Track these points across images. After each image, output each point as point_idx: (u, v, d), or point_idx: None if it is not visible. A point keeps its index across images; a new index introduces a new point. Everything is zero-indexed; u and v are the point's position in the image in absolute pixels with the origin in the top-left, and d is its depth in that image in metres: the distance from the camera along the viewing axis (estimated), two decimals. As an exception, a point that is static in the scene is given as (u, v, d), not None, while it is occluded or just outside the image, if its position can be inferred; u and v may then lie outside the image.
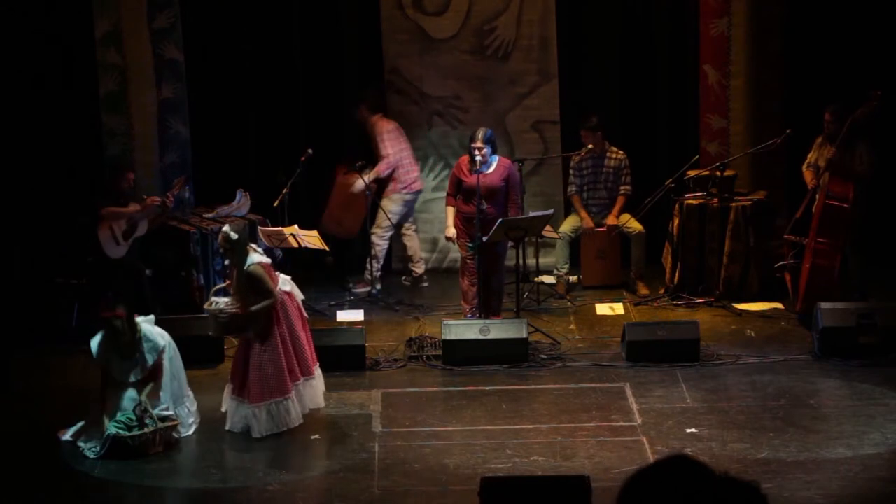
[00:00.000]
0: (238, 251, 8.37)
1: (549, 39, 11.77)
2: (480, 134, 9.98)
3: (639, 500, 2.85)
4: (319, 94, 12.04)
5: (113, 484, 7.89)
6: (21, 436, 8.65)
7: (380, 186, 11.44)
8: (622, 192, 11.31)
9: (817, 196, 10.22)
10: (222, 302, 8.49)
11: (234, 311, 8.35)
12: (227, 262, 8.77)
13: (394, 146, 11.33)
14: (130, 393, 8.26)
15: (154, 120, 11.58)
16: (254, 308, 8.27)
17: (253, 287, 8.31)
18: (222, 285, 8.90)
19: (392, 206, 11.36)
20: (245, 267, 8.31)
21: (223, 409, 8.63)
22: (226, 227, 8.49)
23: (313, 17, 11.97)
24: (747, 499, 2.82)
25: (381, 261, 11.49)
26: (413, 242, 11.71)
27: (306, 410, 8.62)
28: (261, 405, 8.40)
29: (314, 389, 8.68)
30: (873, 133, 10.28)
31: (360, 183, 11.18)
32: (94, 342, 8.35)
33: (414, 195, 11.54)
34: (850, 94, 10.40)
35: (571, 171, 11.43)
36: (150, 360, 8.29)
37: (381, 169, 11.32)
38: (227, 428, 8.52)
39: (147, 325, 8.42)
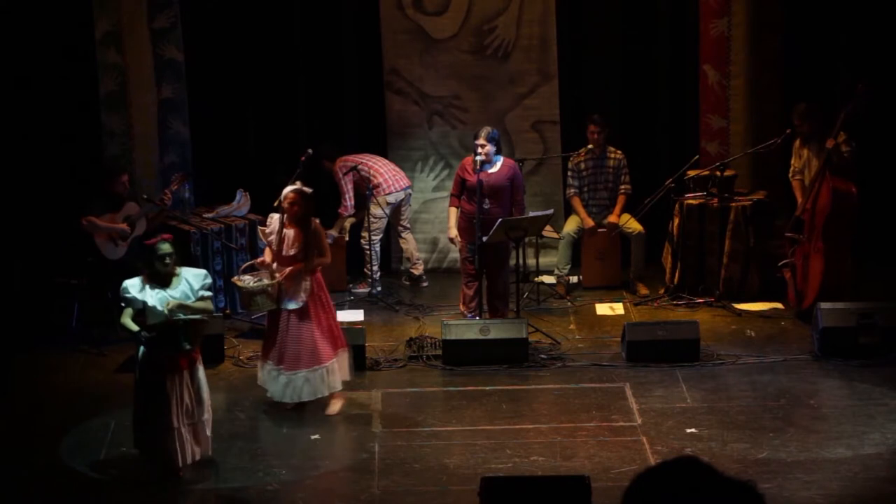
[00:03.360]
0: (310, 208, 8.60)
1: (549, 39, 11.77)
2: (483, 132, 10.00)
3: (644, 500, 2.85)
4: (319, 94, 12.04)
5: (113, 484, 7.89)
6: (21, 436, 8.66)
7: (363, 195, 11.42)
8: (622, 191, 11.31)
9: (820, 194, 10.21)
10: (251, 279, 8.61)
11: (276, 278, 8.49)
12: (272, 228, 8.68)
13: (356, 177, 11.28)
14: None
15: (154, 120, 11.59)
16: (315, 262, 8.59)
17: (317, 243, 8.60)
18: (252, 262, 8.89)
19: (376, 210, 11.32)
20: (315, 221, 8.65)
21: (261, 383, 8.77)
22: (297, 184, 8.66)
23: (313, 18, 11.97)
24: (744, 498, 2.82)
25: (378, 262, 11.49)
26: (409, 245, 11.69)
27: (334, 387, 8.76)
28: (297, 373, 8.57)
29: (342, 370, 8.83)
30: (859, 126, 10.31)
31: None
32: (130, 284, 7.79)
33: (398, 194, 11.44)
34: (816, 94, 10.49)
35: (570, 173, 11.42)
36: (196, 283, 7.84)
37: (341, 211, 11.44)
38: (271, 397, 8.74)
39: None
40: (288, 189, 8.66)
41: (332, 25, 12.02)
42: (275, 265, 8.62)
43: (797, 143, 10.51)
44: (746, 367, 9.50)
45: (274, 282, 8.49)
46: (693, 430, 8.40)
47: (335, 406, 8.82)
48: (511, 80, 11.84)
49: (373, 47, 11.89)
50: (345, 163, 11.31)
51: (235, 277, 8.96)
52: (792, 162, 10.60)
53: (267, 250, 8.83)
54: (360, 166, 11.21)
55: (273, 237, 8.66)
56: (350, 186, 11.33)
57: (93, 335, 10.28)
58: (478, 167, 9.90)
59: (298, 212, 8.57)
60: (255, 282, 8.54)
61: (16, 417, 9.05)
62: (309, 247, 8.56)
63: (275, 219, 8.71)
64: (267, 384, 8.76)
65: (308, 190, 8.65)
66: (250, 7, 11.86)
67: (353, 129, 12.07)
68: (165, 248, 7.80)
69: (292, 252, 8.56)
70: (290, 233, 8.59)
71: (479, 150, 9.93)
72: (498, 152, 10.08)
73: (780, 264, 10.56)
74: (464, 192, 10.10)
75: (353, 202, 11.40)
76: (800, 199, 10.42)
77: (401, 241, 11.73)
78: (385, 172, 11.35)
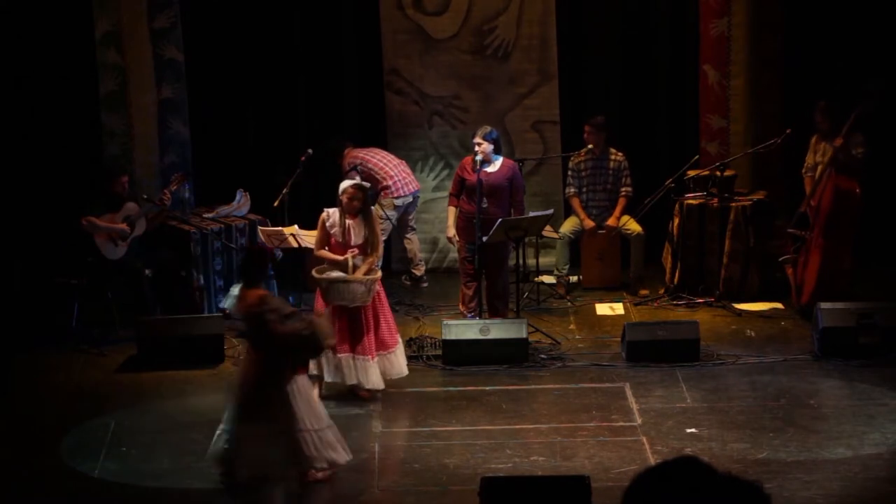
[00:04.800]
0: (367, 200, 9.03)
1: (549, 39, 11.77)
2: (480, 131, 10.01)
3: (644, 500, 2.85)
4: (319, 94, 12.04)
5: (113, 484, 7.89)
6: (21, 436, 8.65)
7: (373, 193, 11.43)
8: (623, 193, 11.31)
9: (824, 191, 10.24)
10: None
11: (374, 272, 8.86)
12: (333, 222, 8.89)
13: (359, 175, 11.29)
14: None
15: (154, 120, 11.58)
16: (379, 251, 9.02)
17: (377, 232, 9.02)
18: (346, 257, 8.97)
19: (380, 211, 11.30)
20: (370, 214, 9.05)
21: (327, 378, 8.86)
22: (357, 180, 8.99)
23: (313, 18, 11.97)
24: (751, 499, 2.82)
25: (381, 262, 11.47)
26: (412, 245, 11.69)
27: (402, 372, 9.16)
28: (374, 358, 8.92)
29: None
30: (868, 126, 10.33)
31: None
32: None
33: (405, 198, 11.42)
34: (838, 92, 10.47)
35: (569, 173, 11.42)
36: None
37: None
38: (349, 383, 8.90)
39: None
40: (347, 184, 9.02)
41: (332, 25, 12.01)
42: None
43: (814, 139, 10.55)
44: (746, 367, 9.50)
45: (377, 276, 8.93)
46: (693, 430, 8.40)
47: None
48: (511, 80, 11.84)
49: (373, 47, 11.89)
50: (353, 159, 11.28)
51: (341, 274, 8.91)
52: (806, 158, 10.62)
53: (320, 247, 9.06)
54: (359, 166, 11.17)
55: (336, 230, 8.95)
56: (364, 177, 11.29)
57: (93, 335, 10.28)
58: (477, 167, 9.91)
59: (358, 206, 8.94)
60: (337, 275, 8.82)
61: (16, 417, 9.04)
62: (375, 235, 8.99)
63: (332, 213, 8.99)
64: (346, 375, 8.87)
65: (366, 184, 9.28)
66: (250, 7, 11.86)
67: (353, 128, 12.05)
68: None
69: (360, 241, 8.94)
70: (353, 223, 8.95)
71: (477, 148, 9.95)
72: (497, 152, 10.09)
73: (780, 259, 10.59)
74: (463, 191, 10.11)
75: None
76: (809, 192, 10.46)
77: (405, 241, 11.71)
78: (395, 175, 11.31)
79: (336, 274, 8.90)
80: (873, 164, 10.70)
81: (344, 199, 8.91)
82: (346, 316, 8.86)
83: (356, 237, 8.95)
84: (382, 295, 9.11)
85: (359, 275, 8.85)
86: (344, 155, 11.31)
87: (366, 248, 8.96)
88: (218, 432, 7.55)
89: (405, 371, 9.16)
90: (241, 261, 7.84)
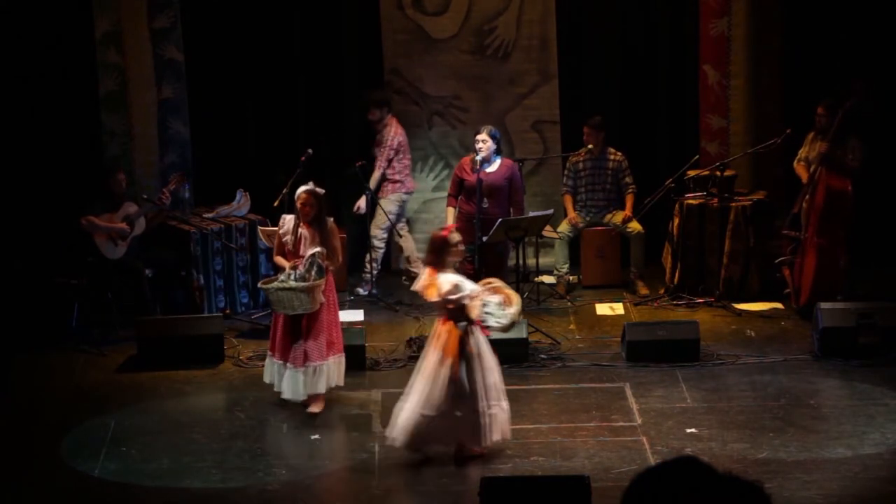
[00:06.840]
0: (323, 208, 8.61)
1: (549, 39, 11.78)
2: (485, 129, 10.03)
3: (644, 500, 2.85)
4: (319, 94, 12.04)
5: (113, 484, 7.89)
6: (21, 436, 8.65)
7: (377, 186, 11.44)
8: (630, 190, 11.31)
9: (816, 191, 10.28)
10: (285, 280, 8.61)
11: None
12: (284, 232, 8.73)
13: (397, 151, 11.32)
14: None
15: (154, 120, 11.58)
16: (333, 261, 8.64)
17: (330, 244, 8.58)
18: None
19: (389, 206, 11.33)
20: (330, 221, 8.67)
21: (275, 386, 8.75)
22: (310, 185, 8.65)
23: (313, 17, 11.97)
24: (751, 499, 2.82)
25: (381, 261, 11.49)
26: (408, 243, 11.69)
27: (317, 389, 8.71)
28: (325, 361, 8.60)
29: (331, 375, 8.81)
30: (862, 125, 10.34)
31: (361, 201, 11.26)
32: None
33: (408, 195, 11.50)
34: (843, 90, 10.50)
35: (566, 172, 11.42)
36: None
37: (377, 175, 11.36)
38: (286, 397, 8.70)
39: None
40: (301, 189, 8.67)
41: (332, 25, 12.01)
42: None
43: (811, 135, 10.61)
44: (746, 367, 9.50)
45: (321, 280, 8.50)
46: (693, 430, 8.40)
47: (313, 408, 8.78)
48: (511, 80, 11.85)
49: (373, 47, 11.89)
50: (401, 137, 11.23)
51: (264, 282, 8.86)
52: (799, 152, 10.68)
53: (277, 254, 8.84)
54: (400, 147, 11.18)
55: (288, 237, 8.66)
56: (392, 159, 11.26)
57: (93, 335, 10.28)
58: (477, 166, 9.91)
59: (311, 212, 8.58)
60: (283, 281, 8.52)
61: (16, 417, 9.05)
62: (328, 246, 8.58)
63: (288, 220, 8.73)
64: (276, 382, 8.72)
65: (320, 190, 8.65)
66: (250, 7, 11.86)
67: (352, 129, 12.06)
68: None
69: (310, 251, 8.57)
70: (305, 233, 8.62)
71: (481, 144, 9.95)
72: (498, 152, 10.10)
73: (777, 261, 10.60)
74: (461, 192, 10.11)
75: (385, 169, 11.33)
76: (804, 180, 10.46)
77: (400, 240, 11.73)
78: (406, 171, 11.37)
79: (275, 283, 8.60)
80: (873, 165, 10.71)
81: (297, 204, 8.62)
82: (287, 322, 8.61)
83: (306, 247, 8.60)
84: (331, 304, 8.69)
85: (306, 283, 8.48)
86: (388, 121, 11.29)
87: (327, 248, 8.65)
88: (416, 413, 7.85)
89: (320, 390, 8.67)
90: (428, 246, 8.09)
